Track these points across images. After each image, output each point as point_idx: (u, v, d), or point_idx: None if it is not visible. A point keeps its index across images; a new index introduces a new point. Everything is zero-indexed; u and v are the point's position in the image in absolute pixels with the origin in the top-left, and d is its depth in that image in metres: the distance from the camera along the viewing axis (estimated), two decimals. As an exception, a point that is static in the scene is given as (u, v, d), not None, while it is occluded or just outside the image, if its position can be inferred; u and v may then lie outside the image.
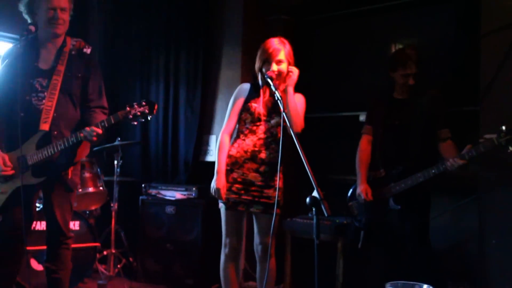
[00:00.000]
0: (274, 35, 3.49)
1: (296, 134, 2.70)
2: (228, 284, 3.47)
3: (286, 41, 3.41)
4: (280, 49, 3.34)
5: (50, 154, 3.09)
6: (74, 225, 4.33)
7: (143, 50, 5.60)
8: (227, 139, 3.45)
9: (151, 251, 4.92)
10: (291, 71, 3.34)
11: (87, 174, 4.62)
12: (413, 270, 3.54)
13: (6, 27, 5.02)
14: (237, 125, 3.49)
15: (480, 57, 3.59)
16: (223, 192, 3.35)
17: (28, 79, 3.17)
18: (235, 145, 3.43)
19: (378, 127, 3.79)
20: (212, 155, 5.11)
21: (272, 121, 3.37)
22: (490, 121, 3.39)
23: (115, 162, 4.80)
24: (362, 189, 3.70)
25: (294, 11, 5.15)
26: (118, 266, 4.78)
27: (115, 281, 4.73)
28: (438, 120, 3.57)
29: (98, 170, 4.77)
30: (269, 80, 3.16)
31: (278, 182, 3.20)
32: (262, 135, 3.38)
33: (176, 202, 4.86)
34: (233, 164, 3.39)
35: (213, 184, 3.38)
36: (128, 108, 3.07)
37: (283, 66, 3.33)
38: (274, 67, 3.31)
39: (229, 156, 3.42)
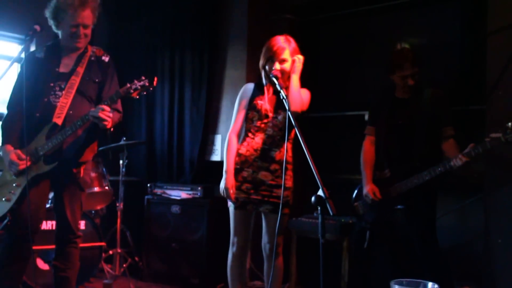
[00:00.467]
0: (279, 35, 3.48)
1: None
2: (234, 283, 3.48)
3: (291, 39, 3.41)
4: (285, 47, 3.33)
5: (59, 141, 3.18)
6: (80, 224, 4.34)
7: (148, 50, 5.61)
8: (235, 139, 3.46)
9: (156, 251, 4.93)
10: (296, 59, 3.34)
11: (92, 174, 4.62)
12: (419, 269, 3.53)
13: (10, 27, 5.03)
14: (245, 124, 3.49)
15: (486, 56, 3.58)
16: (232, 192, 3.34)
17: (49, 82, 3.27)
18: (244, 143, 3.43)
19: (381, 127, 3.78)
20: (218, 155, 5.11)
21: (279, 117, 3.37)
22: (496, 120, 3.38)
23: (121, 161, 4.80)
24: (369, 189, 3.69)
25: (299, 11, 5.15)
26: (124, 265, 4.78)
27: (121, 280, 4.73)
28: (441, 118, 3.56)
29: (104, 169, 4.77)
30: (274, 79, 3.16)
31: (284, 180, 3.19)
32: (271, 133, 3.37)
33: (182, 202, 4.87)
34: (243, 163, 3.39)
35: (222, 184, 3.38)
36: (128, 84, 3.16)
37: (287, 65, 3.33)
38: (277, 66, 3.31)
39: (239, 155, 3.41)
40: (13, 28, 5.04)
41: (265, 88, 3.44)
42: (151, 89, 3.19)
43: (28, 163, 3.18)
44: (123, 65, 5.64)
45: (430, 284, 1.96)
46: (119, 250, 4.74)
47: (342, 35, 5.18)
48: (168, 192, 5.03)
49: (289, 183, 3.38)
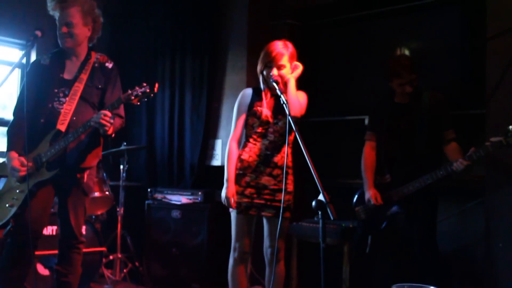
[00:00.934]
0: (280, 39, 3.49)
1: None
2: None
3: (290, 44, 3.40)
4: (284, 53, 3.33)
5: (61, 147, 3.20)
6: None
7: (148, 55, 5.61)
8: (235, 147, 3.46)
9: (157, 256, 4.92)
10: (297, 66, 3.36)
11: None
12: (420, 273, 3.53)
13: (11, 33, 5.05)
14: (245, 130, 3.49)
15: (486, 60, 3.58)
16: (233, 201, 3.34)
17: (53, 88, 3.30)
18: (246, 149, 3.42)
19: (381, 132, 3.79)
20: (218, 160, 5.11)
21: (280, 123, 3.37)
22: (496, 123, 3.38)
23: (121, 167, 4.81)
24: (371, 194, 3.69)
25: (300, 15, 5.16)
26: (124, 270, 4.78)
27: (121, 285, 4.73)
28: (441, 121, 3.57)
29: (104, 175, 4.77)
30: (274, 84, 3.16)
31: (285, 185, 3.20)
32: (272, 138, 3.37)
33: (182, 207, 4.87)
34: (245, 168, 3.39)
35: (223, 193, 3.38)
36: (129, 91, 3.17)
37: (285, 71, 3.33)
38: (275, 71, 3.31)
39: (241, 161, 3.41)
40: (14, 34, 5.05)
41: (263, 93, 3.44)
42: (152, 95, 3.19)
43: (30, 170, 3.19)
44: (123, 70, 5.63)
45: (430, 288, 1.97)
46: (119, 255, 4.74)
47: (343, 40, 5.19)
48: (169, 197, 5.02)
49: (291, 187, 3.38)
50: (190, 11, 5.30)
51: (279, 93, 3.06)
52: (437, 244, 3.56)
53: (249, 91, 3.52)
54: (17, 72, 5.20)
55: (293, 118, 2.90)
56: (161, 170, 5.48)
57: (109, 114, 3.11)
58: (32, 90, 3.28)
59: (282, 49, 3.34)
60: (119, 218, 4.78)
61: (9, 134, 3.33)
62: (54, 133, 3.22)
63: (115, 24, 5.79)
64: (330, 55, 5.27)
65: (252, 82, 4.66)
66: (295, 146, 3.29)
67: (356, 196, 3.88)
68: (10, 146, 3.29)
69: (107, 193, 4.72)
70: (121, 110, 3.43)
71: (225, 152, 3.49)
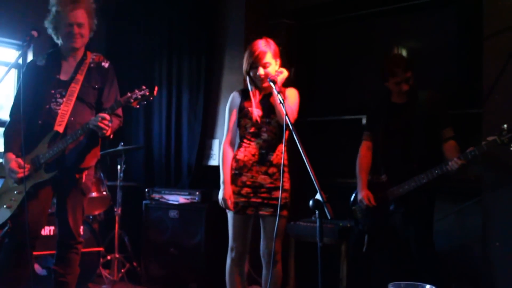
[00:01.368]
0: (277, 39, 3.50)
1: (290, 127, 2.68)
2: None
3: (271, 41, 3.41)
4: (266, 51, 3.34)
5: (60, 149, 3.21)
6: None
7: (145, 55, 5.61)
8: (229, 150, 3.48)
9: (154, 256, 4.93)
10: (281, 71, 3.33)
11: (91, 179, 4.64)
12: (417, 273, 3.53)
13: (7, 33, 5.04)
14: (238, 132, 3.51)
15: (483, 59, 3.59)
16: (231, 202, 3.36)
17: (50, 90, 3.30)
18: (241, 149, 3.43)
19: (378, 132, 3.79)
20: (215, 159, 5.12)
21: (273, 122, 3.37)
22: (493, 123, 3.38)
23: (118, 167, 4.81)
24: (363, 195, 3.70)
25: (297, 15, 5.16)
26: (122, 270, 4.78)
27: (119, 285, 4.72)
28: (439, 120, 3.57)
29: (102, 175, 4.77)
30: (271, 84, 3.16)
31: (282, 183, 3.21)
32: (266, 137, 3.38)
33: (180, 207, 4.87)
34: (241, 168, 3.39)
35: (220, 195, 3.39)
36: (129, 94, 3.19)
37: (270, 69, 3.34)
38: (261, 71, 3.33)
39: (236, 160, 3.42)
40: (11, 34, 5.05)
41: (251, 93, 3.45)
42: (151, 98, 3.21)
43: (27, 172, 3.19)
44: (120, 70, 5.63)
45: (427, 287, 1.97)
46: (117, 255, 4.74)
47: (340, 39, 5.19)
48: (166, 197, 5.02)
49: (287, 185, 3.39)
50: (187, 11, 5.30)
51: (275, 92, 3.06)
52: (434, 243, 3.57)
53: (236, 94, 3.55)
54: (14, 73, 5.19)
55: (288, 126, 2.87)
56: (158, 170, 5.48)
57: (107, 117, 3.12)
58: (28, 91, 3.27)
59: (265, 47, 3.35)
60: (117, 218, 4.78)
61: (6, 135, 3.33)
62: (52, 135, 3.23)
63: (111, 24, 5.79)
64: (327, 54, 5.28)
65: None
66: (291, 144, 3.29)
67: (353, 195, 3.88)
68: (7, 148, 3.29)
69: (104, 193, 4.72)
70: (119, 110, 3.43)
71: (219, 155, 3.51)
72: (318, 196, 2.29)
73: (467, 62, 4.32)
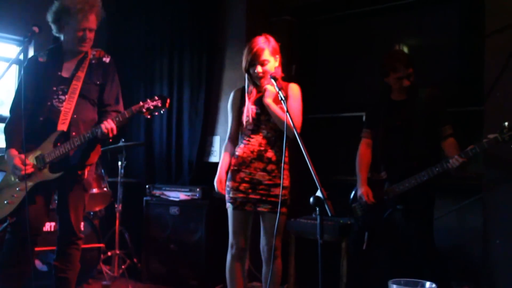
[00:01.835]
0: (278, 36, 3.49)
1: (296, 135, 2.69)
2: (233, 284, 3.47)
3: (271, 38, 3.41)
4: (264, 48, 3.33)
5: (66, 150, 3.21)
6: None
7: (146, 52, 5.61)
8: (230, 145, 3.55)
9: (155, 252, 4.93)
10: (265, 89, 3.34)
11: (91, 175, 4.64)
12: (417, 270, 3.53)
13: (8, 29, 5.04)
14: (240, 129, 3.52)
15: (484, 57, 3.58)
16: (220, 186, 3.42)
17: (51, 86, 3.29)
18: (241, 146, 3.45)
19: (377, 130, 3.79)
20: (216, 156, 5.12)
21: (271, 119, 3.37)
22: (494, 121, 3.38)
23: (119, 163, 4.81)
24: (363, 191, 3.70)
25: (298, 12, 5.16)
26: (123, 267, 4.78)
27: (119, 282, 4.73)
28: (438, 117, 3.56)
29: (102, 171, 4.78)
30: (273, 81, 3.17)
31: (282, 180, 3.21)
32: (266, 134, 3.39)
33: (180, 203, 4.87)
34: (240, 164, 3.40)
35: (214, 181, 3.47)
36: (141, 103, 3.21)
37: (269, 66, 3.34)
38: (259, 68, 3.33)
39: (236, 157, 3.44)
40: (12, 30, 5.04)
41: (247, 90, 3.46)
42: (163, 110, 3.24)
43: (31, 170, 3.19)
44: (122, 66, 5.66)
45: (427, 283, 1.97)
46: (117, 252, 4.75)
47: (341, 37, 5.19)
48: (167, 193, 5.03)
49: (286, 182, 3.38)
50: (188, 8, 5.30)
51: (277, 89, 3.06)
52: (434, 240, 3.57)
53: (237, 92, 3.58)
54: (15, 69, 5.19)
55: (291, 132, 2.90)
56: (159, 166, 5.49)
57: (114, 128, 3.16)
58: (29, 87, 3.27)
59: (263, 44, 3.35)
60: (117, 214, 4.78)
61: (7, 131, 3.31)
62: (58, 135, 3.22)
63: (113, 22, 5.78)
64: (328, 51, 5.27)
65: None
66: (290, 140, 3.29)
67: (353, 192, 3.88)
68: (10, 144, 3.27)
69: (105, 189, 4.73)
70: (121, 107, 3.44)
71: (222, 149, 3.54)
72: (318, 193, 2.29)
73: (469, 59, 4.31)
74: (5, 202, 3.24)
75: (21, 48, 3.20)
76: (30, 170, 3.18)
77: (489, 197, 3.52)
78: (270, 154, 3.37)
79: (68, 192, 3.32)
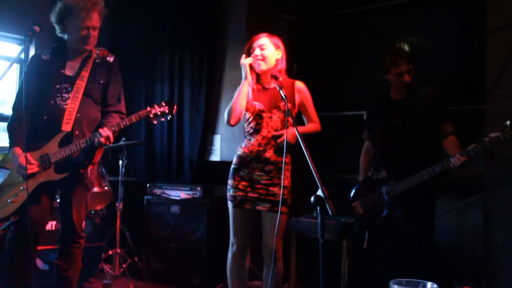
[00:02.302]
0: (279, 35, 3.50)
1: (298, 138, 2.70)
2: (234, 283, 3.47)
3: (275, 36, 3.45)
4: (262, 36, 3.39)
5: (72, 152, 3.22)
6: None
7: (147, 51, 5.61)
8: None
9: (156, 251, 4.94)
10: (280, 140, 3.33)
11: (93, 174, 4.64)
12: (418, 269, 3.53)
13: (9, 28, 5.03)
14: (244, 127, 3.51)
15: (485, 55, 3.58)
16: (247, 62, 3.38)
17: (54, 84, 3.29)
18: (242, 145, 3.45)
19: (377, 130, 3.78)
20: (217, 155, 5.12)
21: (274, 117, 3.37)
22: (495, 119, 3.38)
23: (120, 162, 4.81)
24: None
25: (299, 10, 5.15)
26: (123, 265, 4.78)
27: (120, 280, 4.73)
28: (438, 115, 3.55)
29: (103, 170, 4.78)
30: (274, 79, 3.17)
31: (283, 180, 3.21)
32: (266, 134, 3.38)
33: (181, 202, 4.87)
34: (240, 164, 3.41)
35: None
36: (148, 108, 3.26)
37: (267, 52, 3.36)
38: (257, 51, 3.35)
39: (237, 156, 3.44)
40: (13, 29, 5.04)
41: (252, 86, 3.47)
42: (169, 116, 3.29)
43: (36, 169, 3.18)
44: (122, 65, 5.64)
45: (429, 284, 1.97)
46: (118, 250, 4.74)
47: (341, 35, 5.19)
48: (168, 192, 5.03)
49: (286, 182, 3.36)
50: (189, 7, 5.29)
51: (278, 87, 3.06)
52: (435, 239, 3.56)
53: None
54: (16, 68, 5.19)
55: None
56: (160, 165, 5.49)
57: (111, 136, 3.17)
58: (32, 84, 3.26)
59: (263, 34, 3.42)
60: (118, 213, 4.78)
61: (11, 130, 3.29)
62: (63, 135, 3.22)
63: (114, 20, 5.77)
64: (329, 50, 5.27)
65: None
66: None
67: (353, 190, 3.87)
68: (14, 142, 3.26)
69: (106, 188, 4.73)
70: (122, 107, 3.46)
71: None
72: (319, 192, 2.29)
73: (470, 58, 4.31)
74: (9, 200, 3.24)
75: (22, 47, 3.19)
76: (35, 169, 3.18)
77: (490, 196, 3.52)
78: (268, 154, 3.35)
79: (71, 191, 3.33)
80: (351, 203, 3.87)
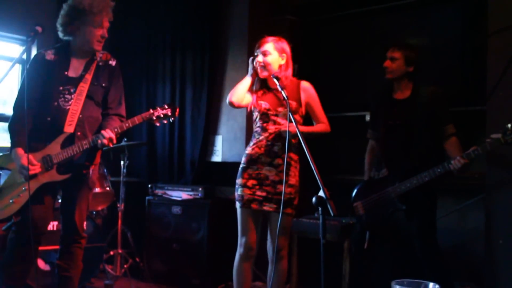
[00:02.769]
0: (280, 35, 3.50)
1: (299, 134, 2.71)
2: (240, 284, 3.45)
3: (284, 40, 3.45)
4: (267, 41, 3.40)
5: (74, 153, 3.22)
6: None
7: (149, 51, 5.62)
8: None
9: (157, 251, 4.94)
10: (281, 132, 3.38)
11: (94, 174, 4.65)
12: (419, 270, 3.53)
13: (11, 28, 5.04)
14: (253, 126, 3.54)
15: (487, 57, 3.58)
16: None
17: (58, 86, 3.29)
18: (251, 144, 3.47)
19: (379, 129, 3.79)
20: (219, 156, 5.12)
21: (280, 115, 3.39)
22: (496, 120, 3.38)
23: (122, 162, 4.81)
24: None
25: (300, 11, 5.16)
26: (125, 266, 4.79)
27: (122, 281, 4.74)
28: (440, 116, 3.56)
29: (105, 170, 4.78)
30: (275, 80, 3.18)
31: (285, 176, 3.20)
32: (273, 130, 3.40)
33: (183, 202, 4.87)
34: (249, 162, 3.42)
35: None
36: (151, 111, 3.30)
37: (270, 58, 3.38)
38: (260, 57, 3.37)
39: (245, 155, 3.46)
40: (15, 29, 5.04)
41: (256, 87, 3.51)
42: (172, 119, 3.33)
43: (38, 170, 3.19)
44: (124, 66, 5.65)
45: (431, 284, 1.97)
46: (120, 251, 4.75)
47: (343, 36, 5.18)
48: (169, 192, 5.03)
49: (293, 180, 3.37)
50: (190, 7, 5.30)
51: (279, 88, 3.07)
52: (437, 240, 3.56)
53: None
54: (18, 68, 5.20)
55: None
56: (161, 166, 5.49)
57: (114, 138, 3.19)
58: (34, 85, 3.25)
59: (270, 38, 3.42)
60: (120, 213, 4.78)
61: (13, 130, 3.28)
62: (65, 136, 3.23)
63: (115, 21, 5.76)
64: (330, 51, 5.27)
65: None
66: (298, 138, 3.29)
67: (355, 191, 3.88)
68: (16, 143, 3.24)
69: (107, 188, 4.73)
70: (122, 110, 3.47)
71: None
72: (321, 193, 2.29)
73: (471, 59, 4.31)
74: (11, 201, 3.24)
75: (24, 47, 3.20)
76: (38, 170, 3.19)
77: (492, 197, 3.52)
78: (277, 148, 3.37)
79: (73, 191, 3.34)
80: (353, 203, 3.87)
